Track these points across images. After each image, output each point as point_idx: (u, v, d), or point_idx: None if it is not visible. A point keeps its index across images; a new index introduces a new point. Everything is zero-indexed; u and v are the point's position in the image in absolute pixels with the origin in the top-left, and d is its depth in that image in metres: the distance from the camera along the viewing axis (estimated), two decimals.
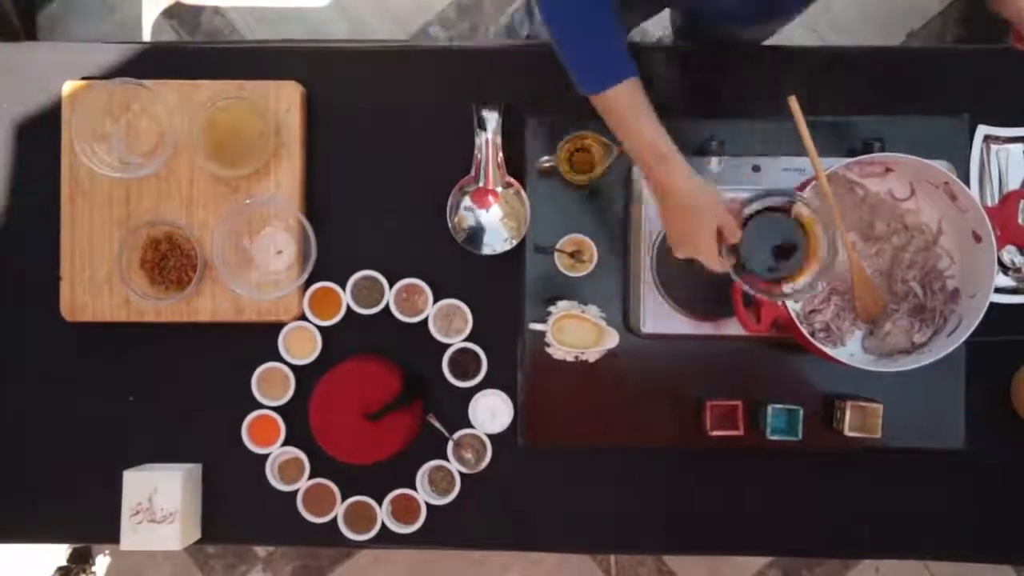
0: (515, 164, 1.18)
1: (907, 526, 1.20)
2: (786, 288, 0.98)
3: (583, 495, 1.20)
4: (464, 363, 1.18)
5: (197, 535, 1.18)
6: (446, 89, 1.20)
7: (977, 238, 1.03)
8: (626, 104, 0.91)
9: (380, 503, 1.17)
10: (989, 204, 1.18)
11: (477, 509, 1.19)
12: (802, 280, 0.98)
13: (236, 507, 1.20)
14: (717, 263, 0.95)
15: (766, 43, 1.31)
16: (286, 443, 1.17)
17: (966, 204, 1.03)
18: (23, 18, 1.88)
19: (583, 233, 1.16)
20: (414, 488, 1.17)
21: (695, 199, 0.93)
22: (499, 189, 1.16)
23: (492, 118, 1.17)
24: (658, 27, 1.91)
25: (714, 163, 1.14)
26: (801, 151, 1.03)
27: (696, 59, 1.26)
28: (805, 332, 1.02)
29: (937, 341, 1.06)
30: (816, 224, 0.97)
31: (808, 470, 1.20)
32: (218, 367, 1.19)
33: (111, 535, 1.14)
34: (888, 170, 1.08)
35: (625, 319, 1.17)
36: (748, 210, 0.98)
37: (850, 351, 1.09)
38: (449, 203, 1.16)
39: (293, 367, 1.17)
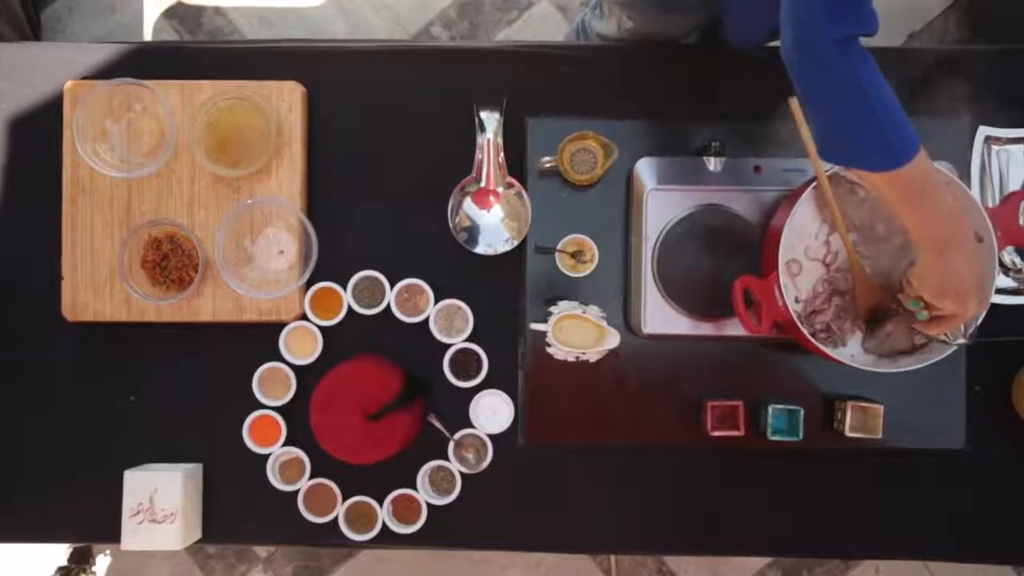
0: (516, 164, 1.18)
1: (907, 526, 1.20)
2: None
3: (583, 495, 1.20)
4: (465, 363, 1.18)
5: (198, 535, 1.18)
6: (447, 89, 1.20)
7: (978, 239, 1.03)
8: (924, 175, 0.84)
9: (381, 503, 1.17)
10: (990, 205, 1.18)
11: (478, 509, 1.19)
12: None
13: (237, 507, 1.20)
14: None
15: (766, 44, 1.31)
16: (287, 443, 1.17)
17: (967, 205, 1.03)
18: (29, 18, 1.88)
19: (584, 233, 1.16)
20: (415, 488, 1.17)
21: (987, 262, 0.94)
22: (500, 189, 1.16)
23: (493, 118, 1.17)
24: None
25: (714, 164, 1.14)
26: (802, 152, 1.03)
27: (696, 59, 1.26)
28: (806, 333, 1.02)
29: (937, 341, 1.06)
30: None
31: (808, 470, 1.20)
32: (219, 367, 1.19)
33: (111, 535, 1.14)
34: None
35: (626, 319, 1.17)
36: None
37: (851, 352, 1.09)
38: (450, 203, 1.16)
39: (294, 367, 1.17)
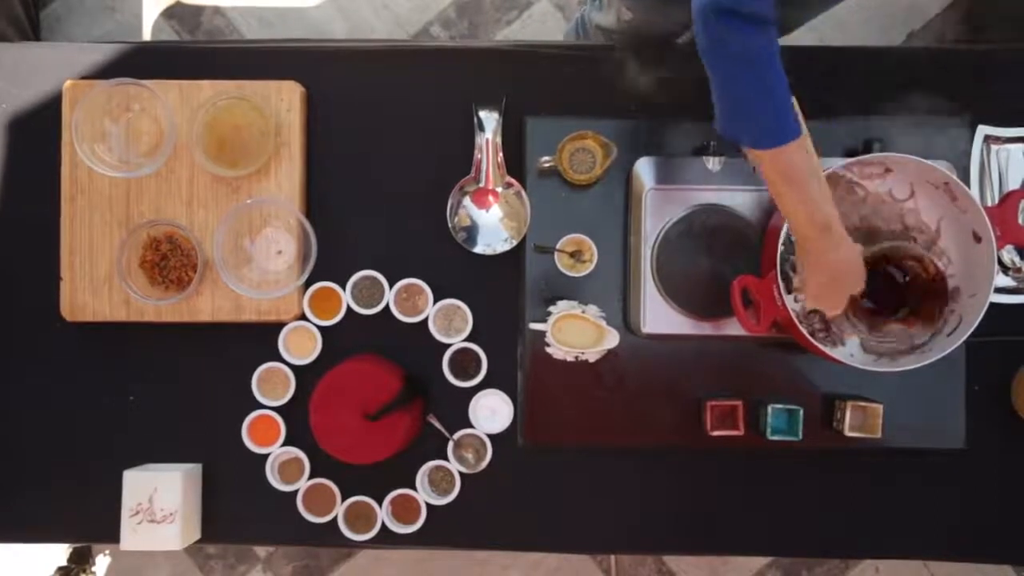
0: (515, 164, 1.18)
1: (907, 526, 1.20)
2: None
3: (583, 495, 1.20)
4: (464, 363, 1.18)
5: (197, 535, 1.18)
6: (446, 89, 1.20)
7: (977, 238, 1.03)
8: (800, 163, 0.89)
9: (380, 503, 1.17)
10: (989, 204, 1.18)
11: (477, 509, 1.19)
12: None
13: (236, 507, 1.20)
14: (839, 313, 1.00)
15: None
16: (286, 443, 1.17)
17: (966, 204, 1.03)
18: (29, 18, 1.88)
19: (583, 233, 1.16)
20: (414, 488, 1.17)
21: (848, 270, 0.96)
22: (499, 189, 1.16)
23: (492, 118, 1.17)
24: None
25: (713, 163, 1.14)
26: None
27: (696, 59, 1.26)
28: (805, 332, 1.02)
29: (937, 341, 1.06)
30: None
31: (808, 470, 1.20)
32: (218, 367, 1.19)
33: (111, 535, 1.14)
34: (888, 170, 1.08)
35: (625, 319, 1.17)
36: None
37: (850, 351, 1.09)
38: (449, 203, 1.16)
39: (293, 367, 1.17)
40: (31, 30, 1.88)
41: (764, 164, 0.91)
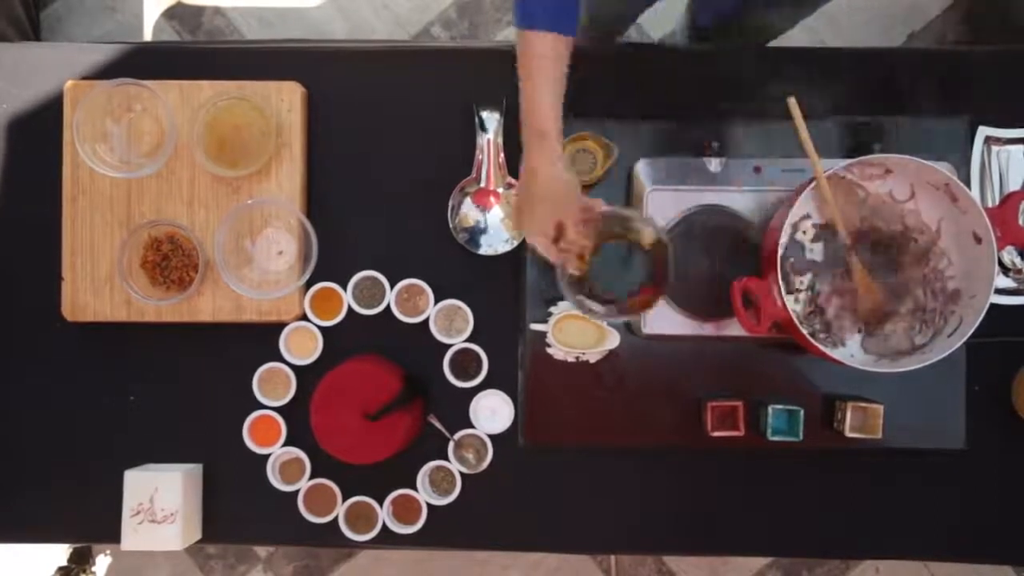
0: (516, 164, 1.17)
1: (907, 526, 1.20)
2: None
3: (583, 495, 1.20)
4: (465, 363, 1.18)
5: (198, 535, 1.19)
6: (447, 89, 1.20)
7: (977, 239, 1.03)
8: (543, 56, 0.88)
9: (381, 503, 1.17)
10: (989, 205, 1.18)
11: (478, 509, 1.19)
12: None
13: (237, 507, 1.20)
14: (551, 253, 0.94)
15: (769, 44, 1.31)
16: (287, 443, 1.18)
17: (966, 205, 1.03)
18: (30, 19, 1.88)
19: None
20: (415, 488, 1.17)
21: (552, 189, 0.92)
22: (500, 190, 1.16)
23: (493, 118, 1.17)
24: (658, 29, 1.91)
25: (714, 164, 1.14)
26: (801, 152, 1.03)
27: (696, 59, 1.26)
28: (805, 333, 1.02)
29: (938, 342, 1.06)
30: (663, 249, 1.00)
31: (808, 471, 1.20)
32: (219, 367, 1.20)
33: (111, 535, 1.14)
34: (888, 171, 1.08)
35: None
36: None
37: (850, 351, 1.09)
38: (450, 203, 1.16)
39: (294, 367, 1.17)
40: (31, 30, 1.89)
41: (518, 47, 0.90)
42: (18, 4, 1.82)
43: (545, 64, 0.88)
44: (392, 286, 1.17)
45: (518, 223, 0.97)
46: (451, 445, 1.17)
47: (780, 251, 1.02)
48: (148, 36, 1.99)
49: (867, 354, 1.09)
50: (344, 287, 1.17)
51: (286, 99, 1.17)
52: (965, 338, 1.01)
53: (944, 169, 1.07)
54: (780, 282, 1.01)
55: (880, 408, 1.12)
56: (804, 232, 1.10)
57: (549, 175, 0.91)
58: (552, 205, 0.92)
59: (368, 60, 1.24)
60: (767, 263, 1.06)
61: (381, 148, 1.21)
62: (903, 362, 1.05)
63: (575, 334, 1.14)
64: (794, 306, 1.06)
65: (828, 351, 1.03)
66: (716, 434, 1.13)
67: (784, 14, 1.24)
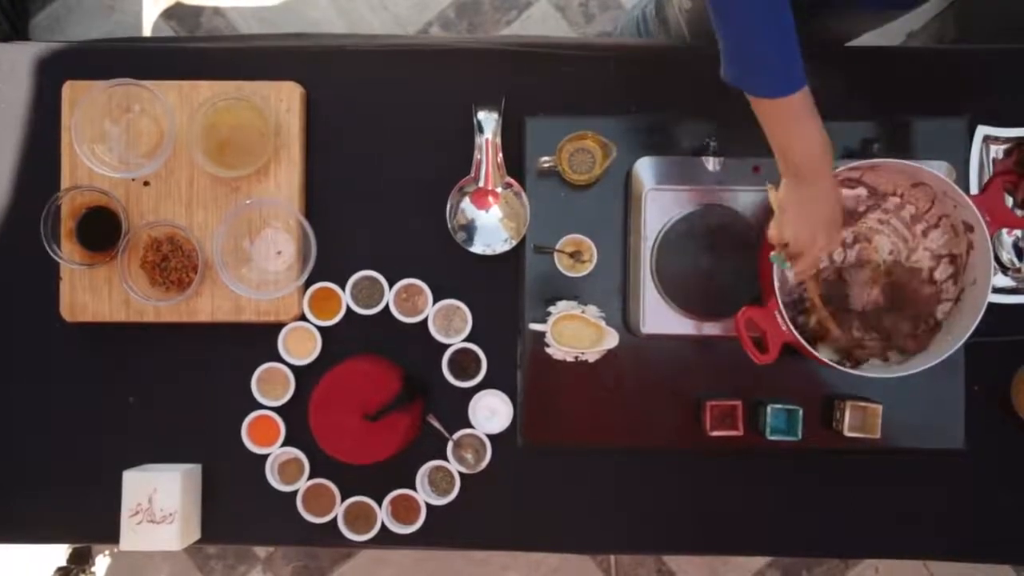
0: (515, 164, 1.18)
1: (907, 526, 1.20)
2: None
3: (583, 495, 1.20)
4: (464, 363, 1.18)
5: (197, 535, 1.18)
6: (446, 89, 1.20)
7: (969, 227, 1.04)
8: (809, 106, 0.90)
9: (380, 503, 1.17)
10: (974, 192, 1.18)
11: (477, 509, 1.19)
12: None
13: (236, 507, 1.20)
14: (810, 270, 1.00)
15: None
16: (286, 443, 1.17)
17: (956, 197, 1.03)
18: (14, 24, 1.88)
19: (583, 233, 1.16)
20: (414, 488, 1.17)
21: (839, 200, 0.96)
22: (499, 189, 1.16)
23: (491, 119, 1.17)
24: None
25: (713, 163, 1.14)
26: None
27: (696, 59, 1.26)
28: (813, 351, 1.02)
29: (938, 341, 1.06)
30: None
31: (807, 470, 1.20)
32: (218, 367, 1.19)
33: (111, 535, 1.14)
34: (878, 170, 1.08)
35: (625, 319, 1.17)
36: None
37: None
38: (449, 203, 1.16)
39: (293, 367, 1.17)
40: (12, 30, 1.88)
41: (769, 110, 0.91)
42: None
43: (811, 108, 0.91)
44: (391, 286, 1.17)
45: (801, 235, 0.97)
46: (450, 445, 1.17)
47: (776, 283, 1.02)
48: (146, 36, 1.99)
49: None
50: (343, 287, 1.17)
51: (285, 99, 1.17)
52: (965, 338, 1.02)
53: (943, 168, 1.07)
54: (782, 308, 1.01)
55: (879, 408, 1.12)
56: None
57: (836, 188, 0.95)
58: (838, 218, 0.97)
59: (367, 60, 1.24)
60: (766, 290, 1.06)
61: (380, 148, 1.21)
62: (907, 365, 1.05)
63: (574, 334, 1.13)
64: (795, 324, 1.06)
65: (838, 365, 1.04)
66: (715, 434, 1.13)
67: (874, 18, 1.25)
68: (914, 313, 1.09)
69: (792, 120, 0.91)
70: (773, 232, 1.00)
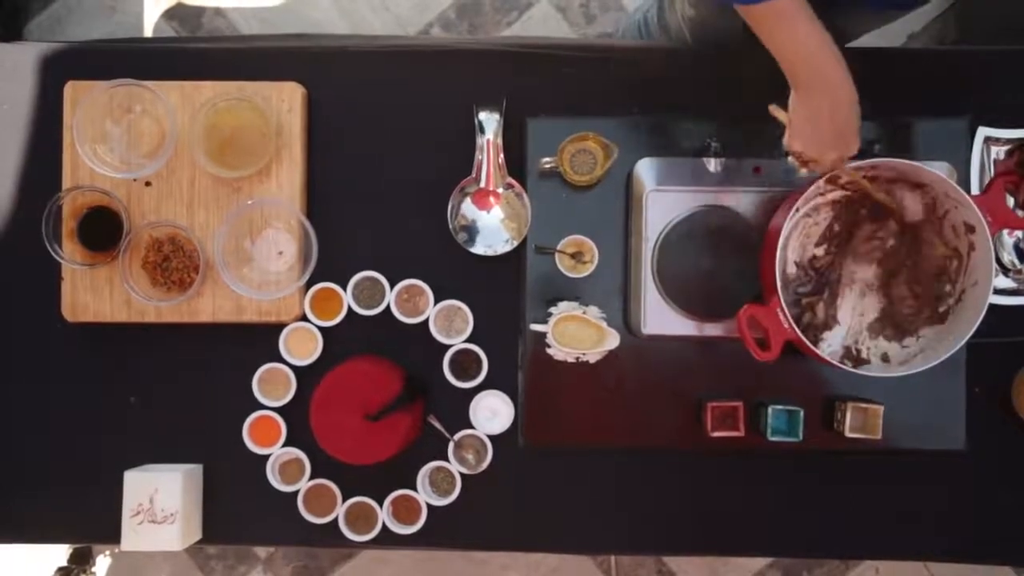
0: (516, 165, 1.18)
1: (907, 526, 1.20)
2: None
3: (583, 496, 1.20)
4: (465, 364, 1.18)
5: (198, 536, 1.18)
6: (447, 89, 1.20)
7: (970, 228, 1.04)
8: (801, 10, 0.88)
9: (381, 504, 1.17)
10: (976, 193, 1.18)
11: (478, 510, 1.19)
12: None
13: (237, 508, 1.20)
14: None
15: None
16: (287, 443, 1.17)
17: (957, 197, 1.03)
18: (6, 26, 1.88)
19: (584, 234, 1.16)
20: (415, 489, 1.17)
21: (852, 103, 0.93)
22: (500, 190, 1.16)
23: (492, 119, 1.17)
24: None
25: (714, 164, 1.15)
26: None
27: (696, 59, 1.26)
28: (814, 348, 1.02)
29: (939, 341, 1.06)
30: None
31: (808, 471, 1.20)
32: (219, 368, 1.20)
33: (111, 535, 1.14)
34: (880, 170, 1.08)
35: (626, 320, 1.17)
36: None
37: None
38: (450, 204, 1.16)
39: (294, 368, 1.17)
40: (5, 31, 1.88)
41: (760, 15, 0.89)
42: None
43: (805, 9, 0.88)
44: (392, 286, 1.17)
45: (814, 144, 0.96)
46: (451, 445, 1.17)
47: (778, 271, 1.02)
48: (148, 36, 1.99)
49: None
50: (344, 287, 1.17)
51: (286, 100, 1.17)
52: (966, 338, 1.02)
53: (943, 169, 1.07)
54: (784, 305, 1.01)
55: (880, 408, 1.12)
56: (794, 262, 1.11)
57: (851, 92, 0.93)
58: (854, 121, 0.95)
59: (368, 61, 1.24)
60: (767, 289, 1.06)
61: (381, 148, 1.21)
62: (908, 364, 1.05)
63: (575, 334, 1.14)
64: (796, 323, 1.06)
65: (840, 364, 1.04)
66: (716, 434, 1.13)
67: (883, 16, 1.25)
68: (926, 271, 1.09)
69: (784, 22, 0.89)
70: (787, 141, 0.99)
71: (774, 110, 1.00)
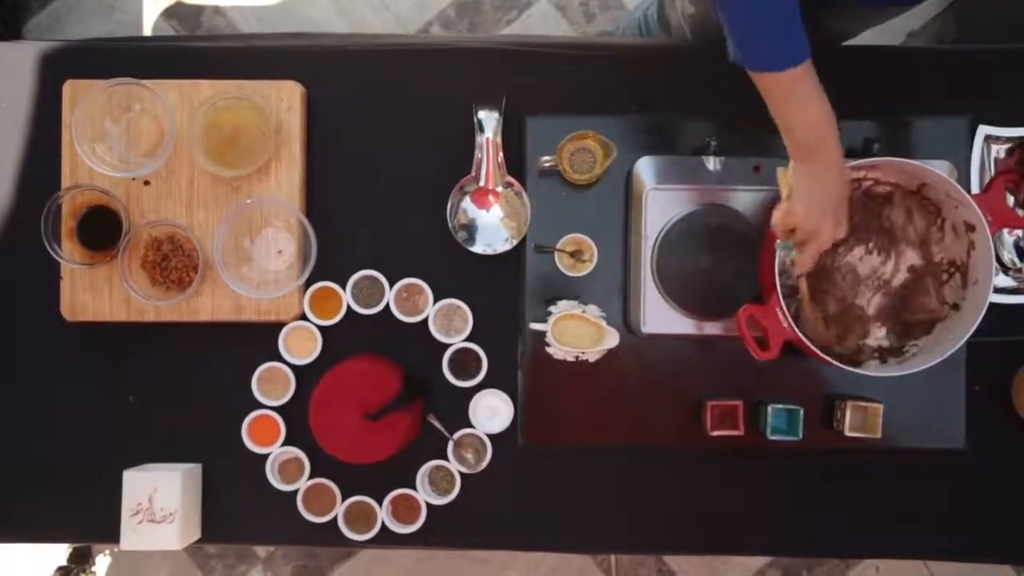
0: (515, 164, 1.18)
1: (907, 526, 1.20)
2: None
3: (583, 495, 1.20)
4: (464, 363, 1.18)
5: (197, 535, 1.18)
6: (447, 88, 1.20)
7: (970, 227, 1.04)
8: (812, 82, 0.90)
9: (380, 503, 1.17)
10: (976, 192, 1.18)
11: (477, 509, 1.19)
12: None
13: (236, 507, 1.20)
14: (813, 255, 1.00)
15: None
16: (286, 443, 1.17)
17: (958, 197, 1.03)
18: (7, 23, 1.88)
19: (583, 233, 1.16)
20: (414, 488, 1.17)
21: (846, 183, 0.96)
22: (499, 189, 1.16)
23: (492, 118, 1.17)
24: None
25: (714, 163, 1.14)
26: None
27: (696, 58, 1.26)
28: (818, 351, 1.02)
29: (938, 340, 1.06)
30: None
31: (808, 470, 1.20)
32: (218, 367, 1.19)
33: (111, 535, 1.14)
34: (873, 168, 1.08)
35: (625, 319, 1.17)
36: None
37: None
38: (449, 203, 1.16)
39: (293, 367, 1.17)
40: (6, 28, 1.88)
41: (771, 85, 0.91)
42: None
43: (816, 85, 0.90)
44: (391, 285, 1.17)
45: (812, 216, 0.96)
46: (450, 445, 1.17)
47: (778, 278, 1.02)
48: (147, 35, 1.99)
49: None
50: (343, 286, 1.17)
51: (285, 98, 1.17)
52: (966, 337, 1.01)
53: (944, 168, 1.06)
54: (783, 304, 1.00)
55: (880, 407, 1.12)
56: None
57: (845, 181, 0.96)
58: (845, 196, 0.97)
59: (367, 59, 1.24)
60: (767, 288, 1.06)
61: (380, 147, 1.21)
62: (908, 364, 1.05)
63: (575, 333, 1.13)
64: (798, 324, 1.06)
65: (833, 360, 1.04)
66: (716, 433, 1.13)
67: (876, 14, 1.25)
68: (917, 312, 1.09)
69: (793, 94, 0.90)
70: (778, 217, 0.99)
71: (782, 174, 1.00)
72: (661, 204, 1.14)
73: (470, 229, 1.17)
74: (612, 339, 1.13)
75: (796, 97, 0.91)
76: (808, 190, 0.96)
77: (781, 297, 1.00)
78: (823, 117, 0.91)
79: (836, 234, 0.98)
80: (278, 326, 1.17)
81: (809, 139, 0.93)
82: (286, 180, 1.17)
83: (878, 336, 1.11)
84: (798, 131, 0.93)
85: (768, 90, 0.92)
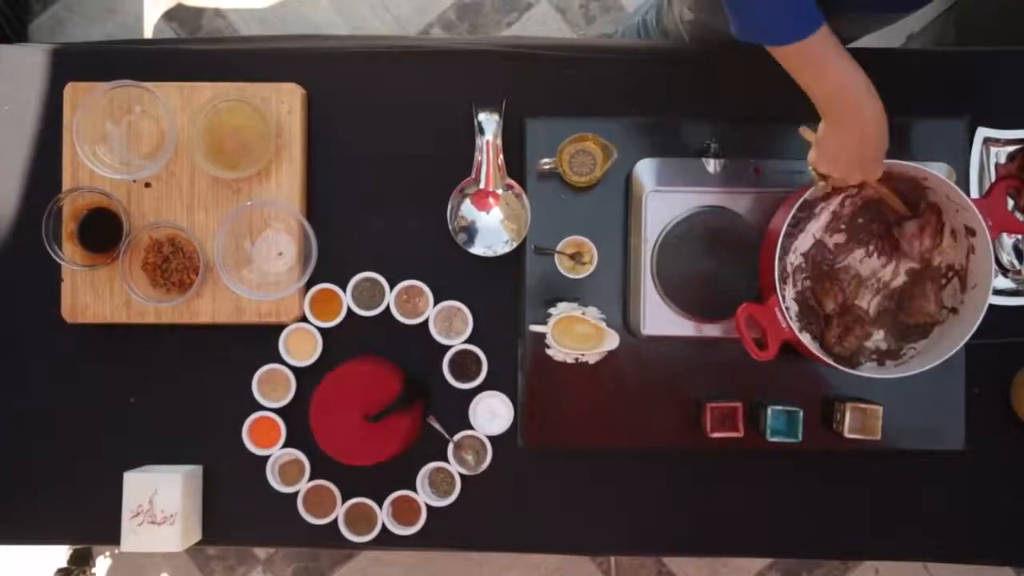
0: (515, 166, 1.18)
1: (907, 527, 1.20)
2: None
3: (583, 497, 1.20)
4: (464, 365, 1.18)
5: (197, 537, 1.19)
6: (447, 90, 1.20)
7: (971, 231, 1.04)
8: (828, 49, 0.89)
9: (380, 504, 1.17)
10: (977, 196, 1.18)
11: (477, 511, 1.19)
12: None
13: (236, 508, 1.20)
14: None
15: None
16: (286, 444, 1.18)
17: (959, 201, 1.03)
18: (12, 27, 1.88)
19: (583, 235, 1.16)
20: (414, 490, 1.17)
21: (881, 124, 0.94)
22: (499, 191, 1.17)
23: (492, 120, 1.17)
24: None
25: (714, 165, 1.15)
26: (801, 153, 1.03)
27: (696, 59, 1.26)
28: (816, 351, 1.02)
29: (938, 342, 1.06)
30: None
31: (808, 471, 1.20)
32: (218, 369, 1.20)
33: (111, 536, 1.14)
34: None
35: (625, 321, 1.17)
36: None
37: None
38: (449, 205, 1.16)
39: (293, 368, 1.17)
40: (10, 31, 1.88)
41: (781, 56, 0.90)
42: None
43: (837, 47, 0.89)
44: (391, 287, 1.17)
45: (843, 168, 0.97)
46: (451, 446, 1.17)
47: (777, 271, 1.02)
48: (148, 38, 1.99)
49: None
50: (343, 288, 1.17)
51: (286, 101, 1.17)
52: (966, 339, 1.02)
53: (943, 169, 1.07)
54: (782, 304, 1.01)
55: (879, 409, 1.12)
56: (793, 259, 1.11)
57: (879, 113, 0.94)
58: (882, 143, 0.96)
59: (368, 61, 1.24)
60: (766, 288, 1.06)
61: (380, 149, 1.21)
62: (907, 366, 1.05)
63: (575, 335, 1.14)
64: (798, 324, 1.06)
65: (832, 362, 1.04)
66: (715, 435, 1.13)
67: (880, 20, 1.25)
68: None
69: (813, 62, 0.90)
70: (812, 158, 1.00)
71: (804, 132, 1.00)
72: (661, 206, 1.14)
73: (470, 231, 1.17)
74: (612, 341, 1.13)
75: (811, 66, 0.90)
76: (832, 146, 0.96)
77: (780, 298, 1.01)
78: (843, 80, 0.90)
79: (869, 180, 0.99)
80: (278, 328, 1.17)
81: (830, 102, 0.93)
82: (286, 182, 1.17)
83: (876, 338, 1.11)
84: (818, 96, 0.93)
85: (785, 61, 0.91)
